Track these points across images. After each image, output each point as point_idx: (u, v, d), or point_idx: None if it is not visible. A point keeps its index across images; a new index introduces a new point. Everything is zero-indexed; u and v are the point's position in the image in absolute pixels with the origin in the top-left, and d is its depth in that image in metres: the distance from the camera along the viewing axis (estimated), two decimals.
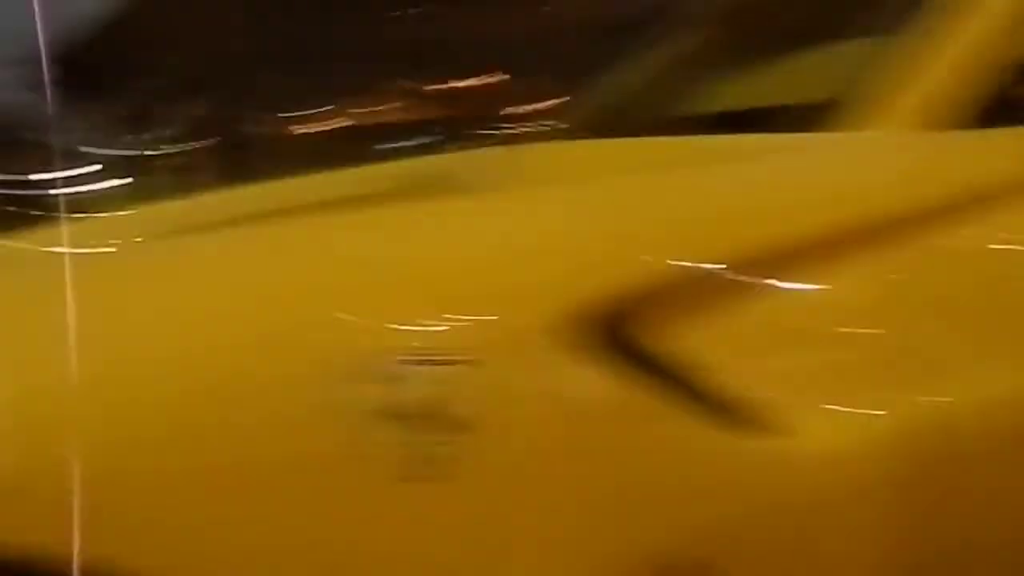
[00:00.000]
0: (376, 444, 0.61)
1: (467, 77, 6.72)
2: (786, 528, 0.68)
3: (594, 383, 0.66)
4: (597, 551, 0.65)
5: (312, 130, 7.04)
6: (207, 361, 0.63)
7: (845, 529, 0.68)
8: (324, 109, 7.05)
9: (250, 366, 0.63)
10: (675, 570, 0.66)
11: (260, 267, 0.70)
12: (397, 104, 7.03)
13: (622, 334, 0.67)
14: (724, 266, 0.71)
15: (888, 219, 0.75)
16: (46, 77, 2.43)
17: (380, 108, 7.08)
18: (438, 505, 0.63)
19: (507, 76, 6.57)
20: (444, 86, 6.81)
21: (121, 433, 0.60)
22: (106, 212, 1.77)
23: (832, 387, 0.70)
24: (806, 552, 0.68)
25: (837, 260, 0.72)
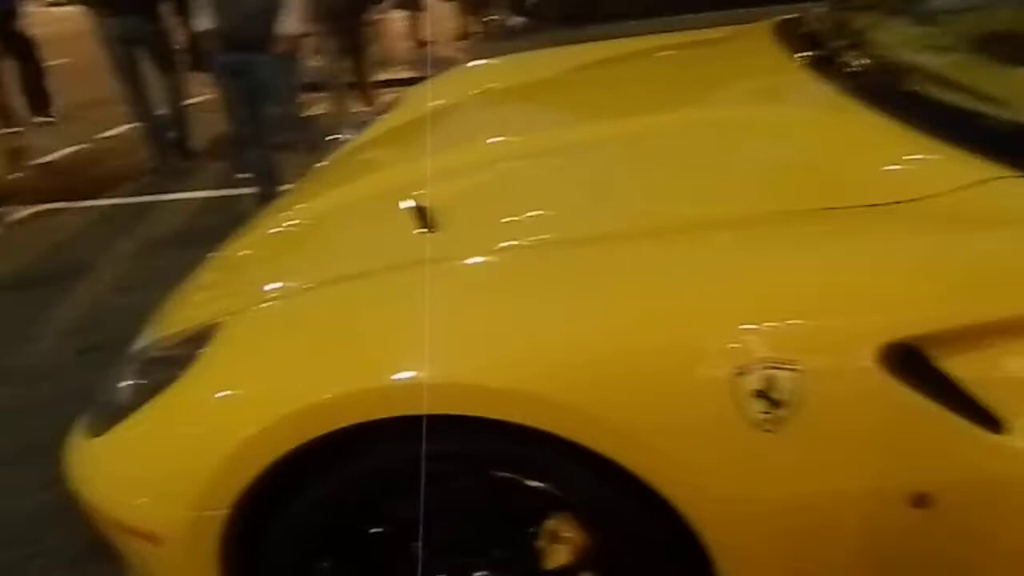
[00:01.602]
0: (749, 409, 1.02)
1: None
2: (986, 488, 1.07)
3: (889, 384, 1.03)
4: (864, 484, 1.06)
5: None
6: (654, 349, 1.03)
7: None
8: None
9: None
10: (915, 497, 1.07)
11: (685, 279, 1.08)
12: None
13: (919, 355, 1.03)
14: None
15: None
16: None
17: None
18: (778, 445, 1.04)
19: None
20: None
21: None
22: None
23: None
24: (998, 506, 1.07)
25: None
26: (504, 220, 1.49)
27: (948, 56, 1.63)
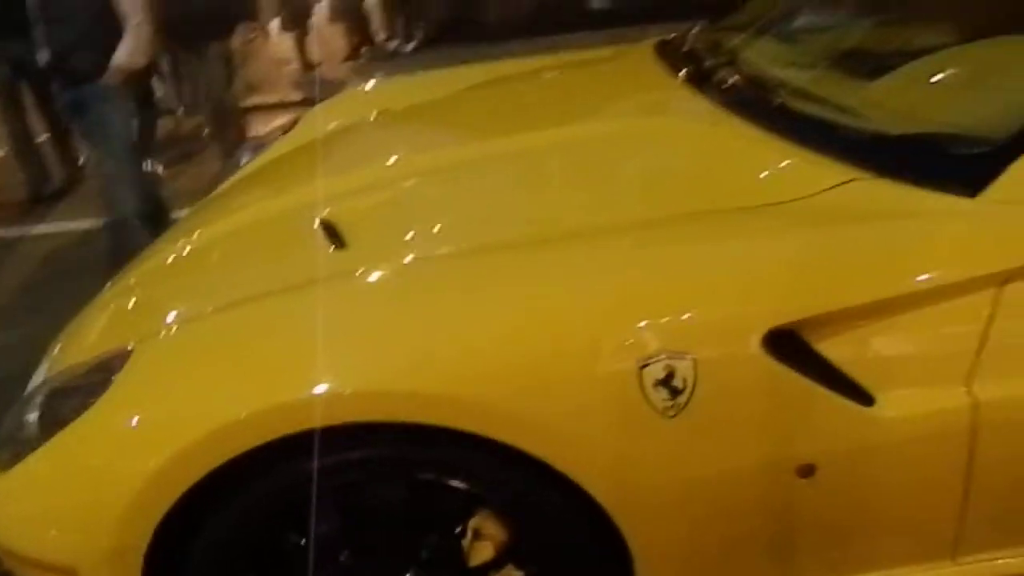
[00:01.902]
0: (653, 398, 1.12)
1: None
2: (863, 456, 1.20)
3: (773, 367, 1.15)
4: (757, 460, 1.17)
5: None
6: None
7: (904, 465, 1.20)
8: None
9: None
10: (802, 468, 1.19)
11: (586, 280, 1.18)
12: None
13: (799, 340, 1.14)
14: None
15: None
16: None
17: None
18: (680, 431, 1.15)
19: None
20: None
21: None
22: None
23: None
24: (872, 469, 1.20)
25: None
26: (408, 235, 1.55)
27: (811, 71, 1.80)
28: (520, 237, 1.39)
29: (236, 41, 4.86)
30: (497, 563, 1.32)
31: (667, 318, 1.17)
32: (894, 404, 1.19)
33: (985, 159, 1.23)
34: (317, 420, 1.18)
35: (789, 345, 1.17)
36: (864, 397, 1.19)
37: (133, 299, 1.76)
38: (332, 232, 1.60)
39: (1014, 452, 1.22)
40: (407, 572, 1.33)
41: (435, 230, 1.57)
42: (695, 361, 1.14)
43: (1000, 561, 1.31)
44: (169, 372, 1.32)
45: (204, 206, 2.26)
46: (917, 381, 1.19)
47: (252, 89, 6.26)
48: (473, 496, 1.28)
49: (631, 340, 1.16)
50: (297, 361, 1.24)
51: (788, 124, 1.52)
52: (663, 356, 1.14)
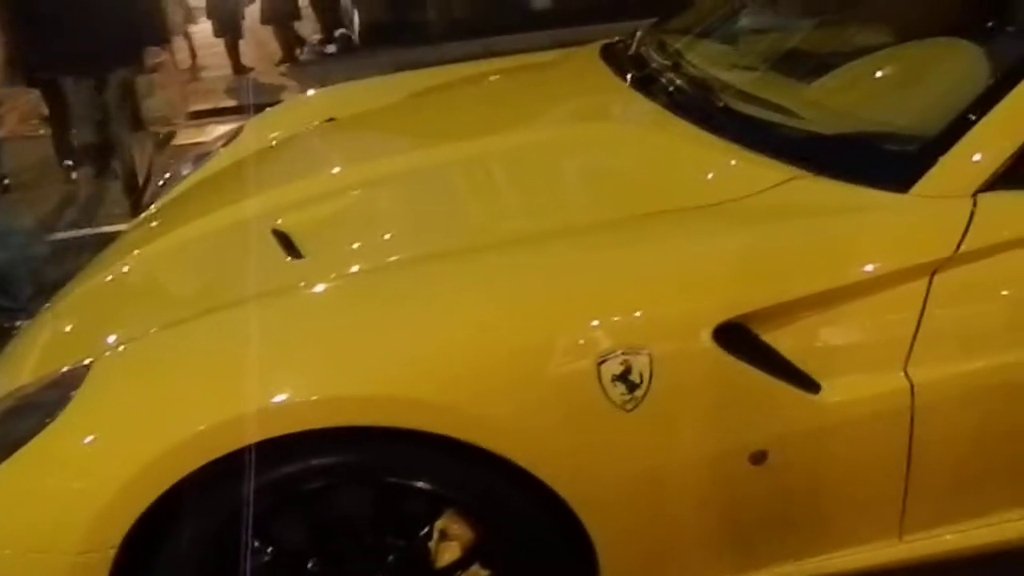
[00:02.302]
0: (612, 392, 1.21)
1: None
2: (811, 441, 1.30)
3: (724, 359, 1.25)
4: (712, 449, 1.27)
5: None
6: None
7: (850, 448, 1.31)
8: None
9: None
10: (754, 455, 1.29)
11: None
12: None
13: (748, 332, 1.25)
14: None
15: None
16: None
17: None
18: (638, 424, 1.24)
19: None
20: None
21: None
22: None
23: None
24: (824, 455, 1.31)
25: None
26: (362, 243, 1.62)
27: (753, 73, 1.92)
28: (473, 242, 1.48)
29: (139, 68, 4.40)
30: (463, 563, 1.40)
31: (621, 316, 1.26)
32: (838, 390, 1.30)
33: (915, 156, 1.35)
34: (279, 428, 1.25)
35: (739, 338, 1.27)
36: (810, 384, 1.30)
37: (82, 315, 1.79)
38: (286, 242, 1.66)
39: (950, 432, 1.34)
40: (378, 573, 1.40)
41: (387, 238, 1.65)
42: (651, 356, 1.24)
43: (947, 537, 1.42)
44: (129, 387, 1.36)
45: (145, 220, 2.29)
46: (858, 367, 1.31)
47: (162, 120, 5.74)
48: (439, 497, 1.35)
49: (588, 338, 1.25)
50: (259, 371, 1.29)
51: (731, 125, 1.63)
52: (619, 352, 1.23)
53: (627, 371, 1.23)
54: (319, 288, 1.46)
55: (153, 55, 4.39)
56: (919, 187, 1.32)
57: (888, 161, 1.39)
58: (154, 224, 2.17)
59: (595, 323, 1.26)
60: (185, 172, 2.60)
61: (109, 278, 1.86)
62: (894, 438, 1.33)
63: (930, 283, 1.29)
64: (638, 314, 1.26)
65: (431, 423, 1.25)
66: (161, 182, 2.69)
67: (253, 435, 1.24)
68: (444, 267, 1.42)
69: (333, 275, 1.49)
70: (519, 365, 1.26)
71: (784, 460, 1.31)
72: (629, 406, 1.24)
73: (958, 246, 1.28)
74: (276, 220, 1.74)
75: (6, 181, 5.39)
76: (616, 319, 1.26)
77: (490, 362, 1.26)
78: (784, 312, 1.28)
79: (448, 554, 1.40)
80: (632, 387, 1.24)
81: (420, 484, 1.33)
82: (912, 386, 1.30)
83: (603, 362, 1.23)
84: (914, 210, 1.32)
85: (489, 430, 1.26)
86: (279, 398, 1.26)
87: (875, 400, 1.31)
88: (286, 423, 1.25)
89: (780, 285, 1.28)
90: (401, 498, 1.36)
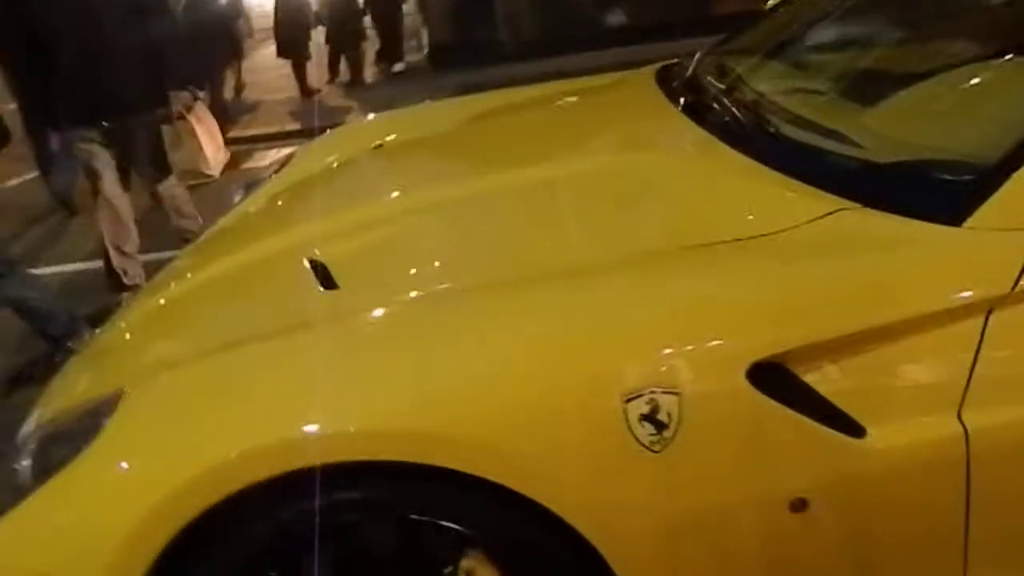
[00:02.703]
0: (639, 432, 1.21)
1: None
2: (856, 489, 1.28)
3: (759, 400, 1.24)
4: (746, 495, 1.26)
5: None
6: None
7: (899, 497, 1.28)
8: None
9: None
10: (794, 503, 1.28)
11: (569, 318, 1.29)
12: None
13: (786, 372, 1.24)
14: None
15: None
16: None
17: None
18: (666, 465, 1.24)
19: None
20: None
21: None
22: None
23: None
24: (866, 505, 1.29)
25: None
26: (402, 274, 1.66)
27: (809, 98, 1.91)
28: (509, 276, 1.50)
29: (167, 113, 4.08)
30: None
31: (651, 353, 1.26)
32: (885, 435, 1.27)
33: (970, 186, 1.32)
34: (307, 460, 1.28)
35: (776, 378, 1.26)
36: (855, 429, 1.27)
37: (122, 344, 1.88)
38: (323, 272, 1.71)
39: (1009, 478, 1.29)
40: None
41: (426, 269, 1.68)
42: (680, 395, 1.24)
43: None
44: (160, 416, 1.42)
45: (196, 248, 2.39)
46: (907, 411, 1.27)
47: (185, 174, 5.40)
48: (464, 537, 1.37)
49: (616, 376, 1.25)
50: (288, 401, 1.34)
51: (779, 153, 1.62)
52: (647, 390, 1.23)
53: (655, 410, 1.23)
54: (351, 321, 1.50)
55: (181, 100, 4.11)
56: (975, 219, 1.29)
57: (942, 191, 1.36)
58: (200, 253, 2.26)
59: (623, 360, 1.26)
60: (236, 199, 2.71)
61: (151, 307, 1.95)
62: (948, 488, 1.30)
63: (986, 322, 1.26)
64: (667, 352, 1.26)
65: (460, 461, 1.27)
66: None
67: (281, 465, 1.28)
68: (479, 301, 1.45)
69: (368, 307, 1.53)
70: (548, 404, 1.27)
71: (826, 509, 1.29)
72: (657, 447, 1.24)
73: (1016, 282, 1.25)
74: (314, 250, 1.79)
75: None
76: (644, 356, 1.26)
77: (520, 399, 1.28)
78: (825, 352, 1.27)
79: None
80: (660, 427, 1.24)
81: (446, 523, 1.36)
82: (966, 432, 1.27)
83: (630, 400, 1.23)
84: (969, 244, 1.29)
85: (517, 470, 1.27)
86: (309, 428, 1.29)
87: (926, 447, 1.27)
88: (315, 454, 1.28)
89: (820, 323, 1.26)
90: (426, 536, 1.38)
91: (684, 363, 1.26)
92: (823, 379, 1.27)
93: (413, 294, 1.56)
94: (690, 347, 1.27)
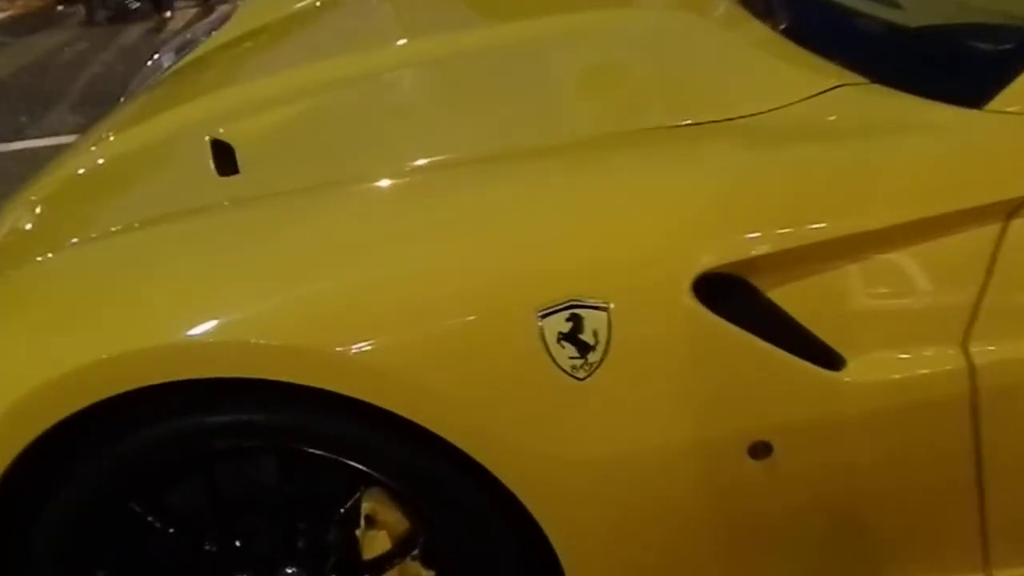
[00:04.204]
0: (559, 355, 1.17)
1: None
2: (831, 433, 1.22)
3: (710, 321, 1.18)
4: (694, 435, 1.21)
5: None
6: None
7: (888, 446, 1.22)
8: None
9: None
10: (754, 446, 1.22)
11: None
12: None
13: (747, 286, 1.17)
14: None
15: None
16: None
17: None
18: (593, 396, 1.19)
19: None
20: None
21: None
22: None
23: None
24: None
25: None
26: (313, 158, 1.60)
27: None
28: (421, 167, 1.44)
29: None
30: (394, 556, 1.39)
31: (573, 257, 1.20)
32: (868, 367, 1.21)
33: (998, 61, 1.23)
34: (173, 373, 1.25)
35: (734, 293, 1.19)
36: (831, 359, 1.21)
37: (16, 224, 1.86)
38: (224, 154, 1.67)
39: None
40: (289, 562, 1.42)
41: (341, 154, 1.61)
42: (609, 311, 1.18)
43: None
44: (29, 305, 1.41)
45: (112, 118, 2.35)
46: (898, 339, 1.21)
47: None
48: (361, 475, 1.34)
49: (532, 284, 1.19)
50: (169, 302, 1.31)
51: (795, 19, 1.53)
52: (567, 303, 1.18)
53: (577, 328, 1.18)
54: (243, 213, 1.45)
55: None
56: (1001, 100, 1.20)
57: (963, 65, 1.26)
58: (114, 124, 2.21)
59: (539, 265, 1.20)
60: (167, 63, 2.66)
61: (58, 180, 1.93)
62: (949, 436, 1.23)
63: (1004, 229, 1.18)
64: (592, 257, 1.20)
65: (353, 386, 1.23)
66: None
67: (147, 376, 1.25)
68: (385, 198, 1.41)
69: (265, 197, 1.48)
70: (455, 320, 1.22)
71: (794, 456, 1.23)
72: (580, 373, 1.19)
73: None
74: (219, 127, 1.75)
75: None
76: (565, 261, 1.20)
77: (425, 313, 1.23)
78: (799, 262, 1.19)
79: (376, 544, 1.39)
80: (584, 349, 1.18)
81: (342, 459, 1.33)
82: (972, 367, 1.19)
83: (546, 314, 1.18)
84: (989, 131, 1.19)
85: (417, 399, 1.23)
86: (178, 337, 1.26)
87: (919, 384, 1.20)
88: (183, 367, 1.25)
89: (793, 225, 1.18)
90: (319, 473, 1.36)
91: (614, 270, 1.19)
92: (793, 297, 1.20)
93: (318, 184, 1.50)
94: (623, 250, 1.20)
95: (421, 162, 1.46)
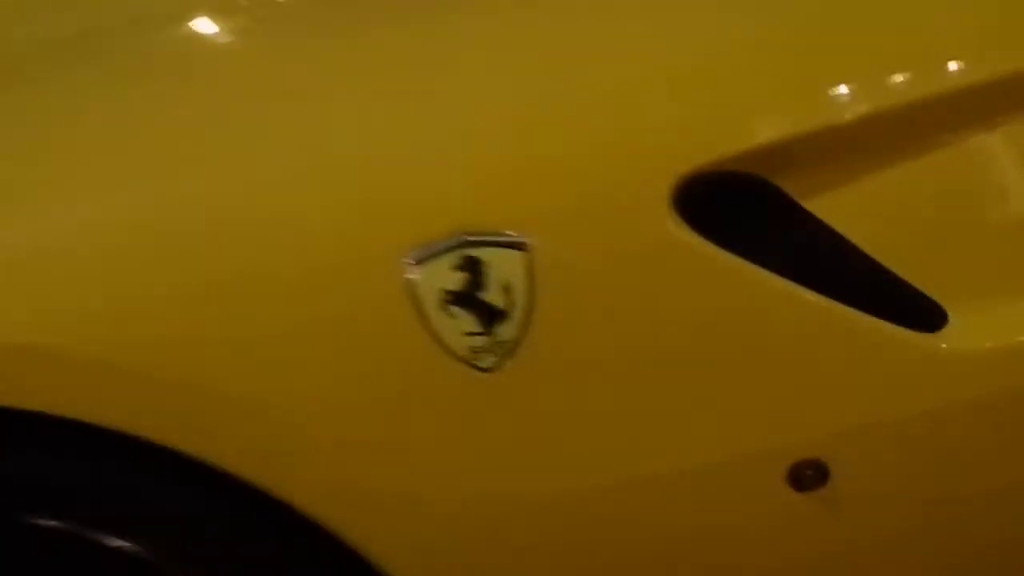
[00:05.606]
0: (445, 331, 0.72)
1: None
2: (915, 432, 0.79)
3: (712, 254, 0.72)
4: (705, 457, 0.78)
5: None
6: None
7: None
8: None
9: None
10: (796, 468, 0.78)
11: None
12: None
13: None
14: None
15: None
16: None
17: None
18: (504, 393, 0.74)
19: None
20: None
21: None
22: None
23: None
24: None
25: None
26: None
27: None
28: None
29: None
30: None
31: (466, 164, 0.74)
32: (988, 328, 0.78)
33: None
34: None
35: (747, 208, 0.76)
36: (926, 315, 0.78)
37: None
38: None
39: None
40: None
41: None
42: (530, 250, 0.71)
43: None
44: None
45: None
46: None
47: None
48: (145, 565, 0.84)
49: (400, 219, 0.73)
50: None
51: None
52: (455, 240, 0.70)
53: (475, 283, 0.70)
54: None
55: None
56: None
57: None
58: None
59: (421, 191, 0.74)
60: None
61: None
62: None
63: None
64: (496, 162, 0.74)
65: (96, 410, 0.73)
66: None
67: None
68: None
69: None
70: (261, 274, 0.74)
71: (864, 481, 0.78)
72: (484, 360, 0.71)
73: None
74: None
75: None
76: (444, 173, 0.74)
77: (212, 272, 0.74)
78: (847, 155, 0.75)
79: None
80: (491, 317, 0.71)
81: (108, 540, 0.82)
82: None
83: (422, 260, 0.70)
84: None
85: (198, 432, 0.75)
86: None
87: None
88: None
89: (828, 101, 0.76)
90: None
91: (536, 181, 0.73)
92: (851, 210, 0.76)
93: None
94: (551, 147, 0.75)
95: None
